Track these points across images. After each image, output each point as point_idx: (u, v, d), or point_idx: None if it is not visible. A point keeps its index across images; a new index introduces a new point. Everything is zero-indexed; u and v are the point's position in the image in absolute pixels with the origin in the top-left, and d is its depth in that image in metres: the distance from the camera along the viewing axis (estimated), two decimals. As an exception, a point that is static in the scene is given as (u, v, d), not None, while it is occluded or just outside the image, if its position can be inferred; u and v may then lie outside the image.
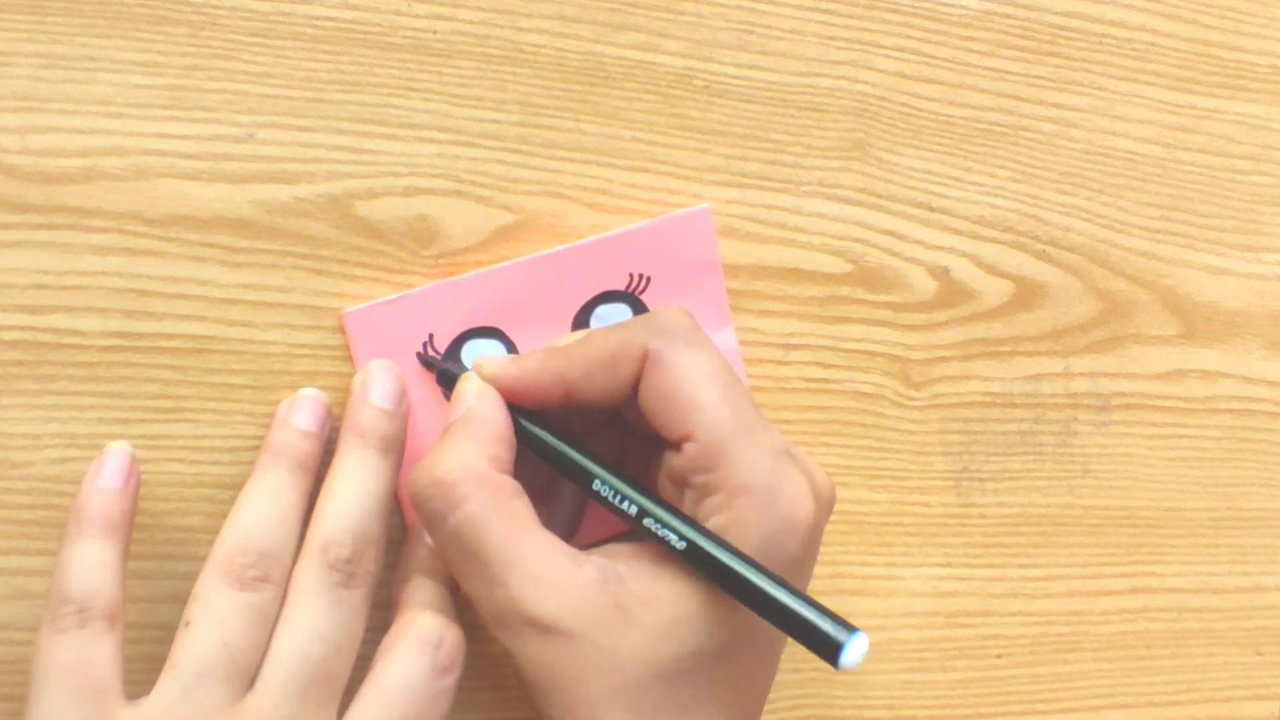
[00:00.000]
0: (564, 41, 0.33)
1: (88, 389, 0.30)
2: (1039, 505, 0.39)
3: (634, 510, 0.28)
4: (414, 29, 0.32)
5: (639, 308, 0.33)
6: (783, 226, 0.35)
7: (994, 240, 0.37)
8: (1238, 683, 0.41)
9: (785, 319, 0.36)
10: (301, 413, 0.30)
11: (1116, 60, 0.38)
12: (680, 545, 0.27)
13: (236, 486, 0.31)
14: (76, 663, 0.26)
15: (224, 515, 0.31)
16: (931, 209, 0.37)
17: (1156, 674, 0.40)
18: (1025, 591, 0.39)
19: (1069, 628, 0.39)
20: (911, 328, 0.37)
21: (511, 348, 0.33)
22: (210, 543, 0.31)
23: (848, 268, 0.36)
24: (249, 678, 0.27)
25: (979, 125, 0.37)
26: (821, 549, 0.36)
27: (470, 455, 0.28)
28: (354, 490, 0.29)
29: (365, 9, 0.31)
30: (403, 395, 0.31)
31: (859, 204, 0.36)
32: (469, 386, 0.30)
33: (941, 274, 0.37)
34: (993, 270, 0.37)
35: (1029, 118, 0.38)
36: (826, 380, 0.36)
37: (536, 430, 0.29)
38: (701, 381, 0.28)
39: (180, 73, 0.30)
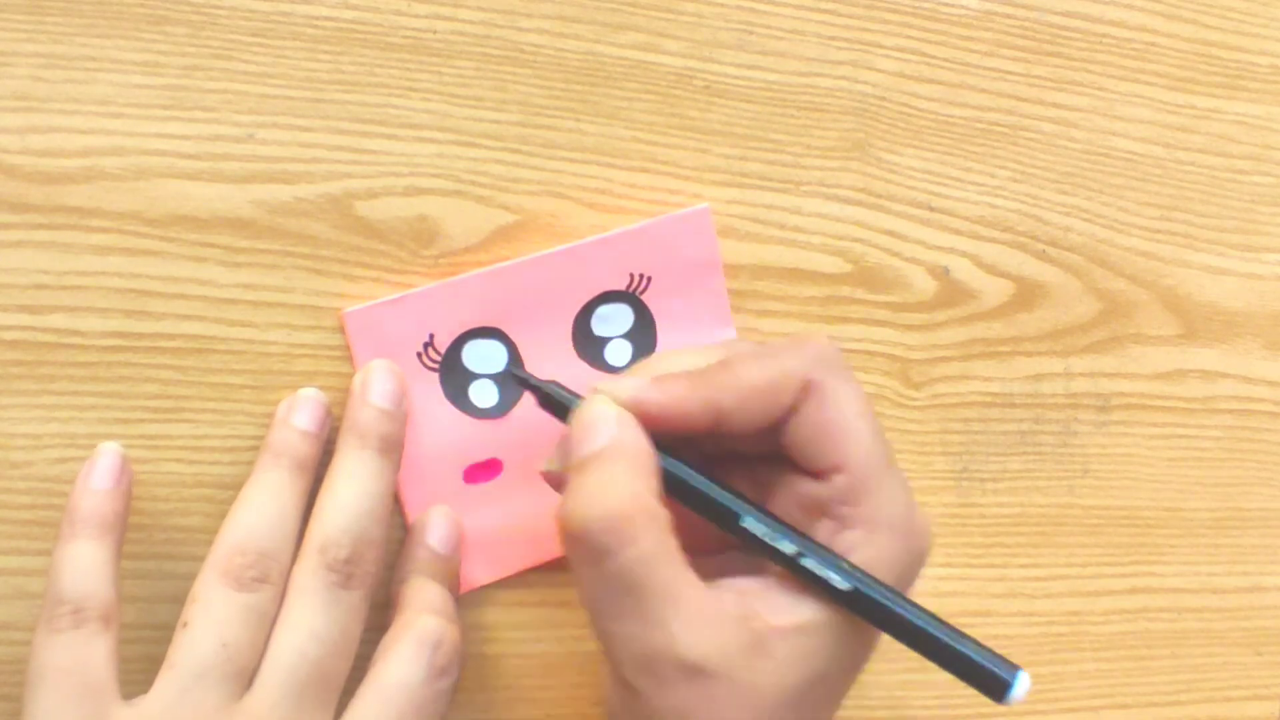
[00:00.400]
0: (564, 41, 0.33)
1: (88, 389, 0.30)
2: (1039, 505, 0.39)
3: (791, 550, 0.27)
4: (414, 29, 0.32)
5: (639, 308, 0.33)
6: (783, 226, 0.35)
7: (994, 240, 0.37)
8: (1238, 683, 0.41)
9: (785, 319, 0.36)
10: (301, 413, 0.30)
11: (1116, 60, 0.38)
12: (845, 586, 0.26)
13: (236, 487, 0.31)
14: (73, 663, 0.26)
15: (223, 515, 0.31)
16: (931, 209, 0.37)
17: (1156, 674, 0.40)
18: (1025, 591, 0.39)
19: (1069, 628, 0.39)
20: (911, 328, 0.37)
21: (512, 348, 0.33)
22: (209, 543, 0.31)
23: (848, 268, 0.36)
24: (247, 678, 0.27)
25: (979, 125, 0.37)
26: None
27: (639, 488, 0.26)
28: (353, 491, 0.29)
29: (365, 9, 0.31)
30: (403, 396, 0.31)
31: (859, 204, 0.36)
32: (605, 411, 0.27)
33: (941, 274, 0.37)
34: (993, 270, 0.37)
35: (1029, 118, 0.38)
36: (826, 380, 0.36)
37: (678, 464, 0.28)
38: (856, 415, 0.28)
39: (180, 73, 0.30)
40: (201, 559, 0.31)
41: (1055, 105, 0.38)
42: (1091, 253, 0.39)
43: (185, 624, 0.27)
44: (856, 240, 0.36)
